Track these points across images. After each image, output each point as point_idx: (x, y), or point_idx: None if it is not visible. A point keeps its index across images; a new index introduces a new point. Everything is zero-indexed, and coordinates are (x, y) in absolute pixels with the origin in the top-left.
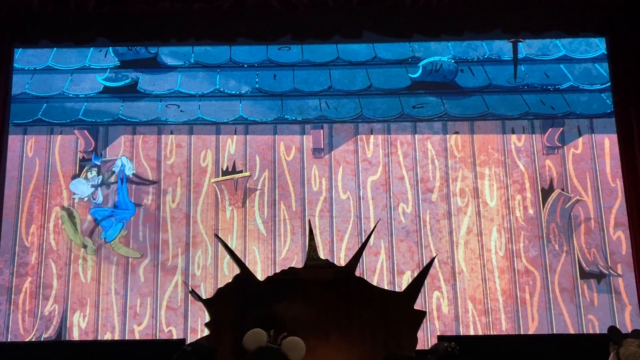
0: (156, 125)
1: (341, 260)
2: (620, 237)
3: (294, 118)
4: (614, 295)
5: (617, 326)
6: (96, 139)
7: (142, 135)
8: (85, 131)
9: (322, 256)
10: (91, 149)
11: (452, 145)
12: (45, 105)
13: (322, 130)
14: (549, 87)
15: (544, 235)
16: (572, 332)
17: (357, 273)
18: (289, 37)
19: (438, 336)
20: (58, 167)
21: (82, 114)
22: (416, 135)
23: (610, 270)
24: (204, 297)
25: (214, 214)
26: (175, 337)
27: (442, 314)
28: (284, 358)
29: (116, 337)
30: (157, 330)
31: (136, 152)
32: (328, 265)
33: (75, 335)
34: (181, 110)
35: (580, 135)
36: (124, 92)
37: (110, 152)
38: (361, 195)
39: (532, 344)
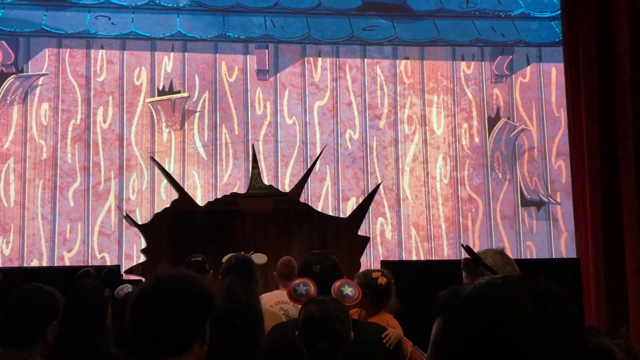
0: (85, 39)
1: (286, 186)
2: (561, 166)
3: (236, 36)
4: (552, 222)
5: (553, 251)
6: (16, 51)
7: (68, 49)
8: (3, 42)
9: (266, 182)
10: (10, 61)
11: (401, 71)
12: None
13: (267, 51)
14: (500, 13)
15: (488, 163)
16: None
17: (302, 199)
18: None
19: (381, 261)
20: None
21: None
22: (365, 60)
23: (550, 199)
24: (139, 223)
25: (149, 136)
26: (109, 263)
27: (385, 240)
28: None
29: (44, 264)
30: (89, 256)
31: (62, 67)
32: (271, 191)
33: None
34: (112, 23)
35: (528, 63)
36: (48, 0)
37: (33, 66)
38: (307, 120)
39: None
